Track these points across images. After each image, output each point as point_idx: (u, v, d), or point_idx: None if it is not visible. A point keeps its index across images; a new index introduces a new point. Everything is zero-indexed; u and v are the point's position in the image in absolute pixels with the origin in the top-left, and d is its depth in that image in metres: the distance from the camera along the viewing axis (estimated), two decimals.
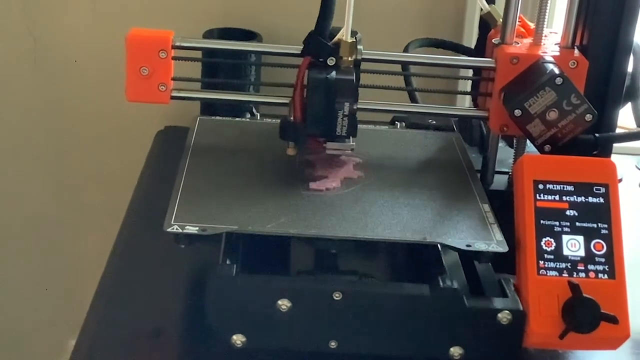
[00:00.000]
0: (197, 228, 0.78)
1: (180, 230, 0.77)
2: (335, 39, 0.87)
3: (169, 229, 0.78)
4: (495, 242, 0.80)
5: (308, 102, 0.87)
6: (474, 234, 0.81)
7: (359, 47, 0.88)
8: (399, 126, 1.05)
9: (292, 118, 0.88)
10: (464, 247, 0.79)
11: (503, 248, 0.79)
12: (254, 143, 0.96)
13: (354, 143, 0.89)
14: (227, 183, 0.88)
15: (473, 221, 0.84)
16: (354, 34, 0.87)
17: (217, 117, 1.04)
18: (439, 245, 0.82)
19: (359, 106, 0.88)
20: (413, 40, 1.07)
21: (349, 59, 0.87)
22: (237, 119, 1.04)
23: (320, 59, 0.87)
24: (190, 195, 0.84)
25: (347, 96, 0.86)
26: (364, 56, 0.88)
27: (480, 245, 0.79)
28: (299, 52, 0.87)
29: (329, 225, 0.81)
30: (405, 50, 1.05)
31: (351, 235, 0.81)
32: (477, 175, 0.94)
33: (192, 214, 0.80)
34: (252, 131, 1.00)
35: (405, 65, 1.01)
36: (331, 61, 0.87)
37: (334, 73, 0.86)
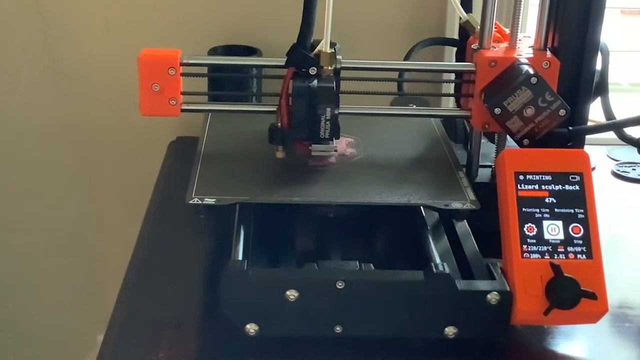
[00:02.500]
0: (214, 200, 0.83)
1: (200, 202, 0.82)
2: (316, 50, 0.87)
3: (190, 201, 0.83)
4: (469, 202, 0.85)
5: (293, 109, 0.88)
6: (451, 196, 0.86)
7: (338, 57, 0.88)
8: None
9: (279, 124, 0.89)
10: (442, 207, 0.84)
11: (476, 206, 0.84)
12: (261, 130, 0.96)
13: (337, 145, 0.93)
14: (238, 164, 0.92)
15: (450, 186, 0.88)
16: (333, 45, 0.88)
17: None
18: (421, 208, 0.87)
19: (343, 111, 0.89)
20: (419, 42, 1.08)
21: (329, 68, 0.88)
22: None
23: (303, 69, 0.87)
24: (207, 174, 0.89)
25: (328, 102, 0.87)
26: (343, 65, 0.89)
27: (457, 205, 0.84)
28: (284, 64, 0.88)
29: (326, 194, 0.86)
30: (410, 52, 1.06)
31: (346, 201, 0.85)
32: (451, 146, 0.98)
33: (210, 188, 0.85)
34: (259, 121, 1.00)
35: (401, 72, 1.02)
36: (313, 71, 0.87)
37: (315, 82, 0.87)
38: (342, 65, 0.89)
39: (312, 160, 0.92)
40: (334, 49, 0.88)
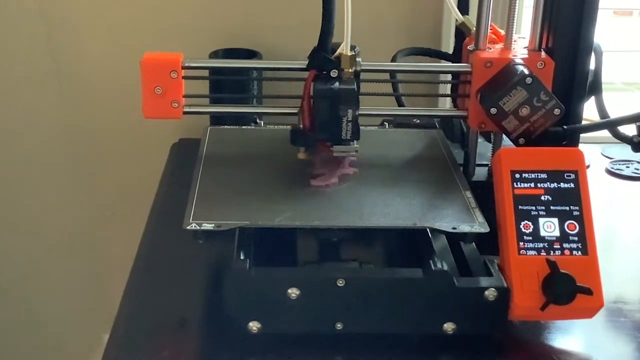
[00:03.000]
0: (212, 225, 0.79)
1: (198, 228, 0.78)
2: (337, 53, 0.87)
3: (187, 227, 0.78)
4: (477, 224, 0.81)
5: (315, 111, 0.87)
6: (458, 218, 0.82)
7: (358, 59, 0.88)
8: (387, 126, 1.05)
9: (301, 126, 0.89)
10: (450, 230, 0.80)
11: (485, 229, 0.80)
12: (260, 148, 0.96)
13: (358, 145, 0.90)
14: (237, 184, 0.88)
15: (457, 206, 0.84)
16: (353, 47, 0.87)
17: (226, 126, 1.04)
18: (428, 230, 0.83)
19: (363, 112, 0.88)
20: (400, 50, 1.07)
21: (350, 70, 0.87)
22: (243, 127, 1.04)
23: (324, 72, 0.87)
24: (205, 197, 0.84)
25: (350, 104, 0.86)
26: (362, 67, 0.88)
27: (465, 227, 0.80)
28: (304, 67, 0.87)
29: (329, 217, 0.82)
30: (393, 59, 1.06)
31: (350, 225, 0.81)
32: (458, 165, 0.94)
33: (208, 212, 0.81)
34: (257, 137, 1.00)
35: (392, 73, 1.02)
36: (334, 73, 0.87)
37: (337, 84, 0.86)
38: (363, 68, 0.88)
39: (315, 180, 0.88)
40: (354, 52, 0.87)
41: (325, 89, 0.86)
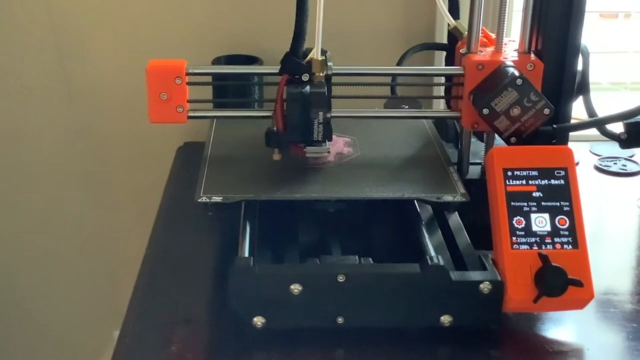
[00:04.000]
0: (221, 198, 0.83)
1: (208, 200, 0.82)
2: (308, 58, 0.87)
3: (199, 199, 0.83)
4: (459, 195, 0.85)
5: (287, 113, 0.88)
6: (442, 190, 0.86)
7: (329, 63, 0.88)
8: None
9: (275, 128, 0.89)
10: (435, 200, 0.85)
11: (466, 199, 0.85)
12: (263, 135, 0.96)
13: (329, 147, 0.92)
14: (242, 164, 0.92)
15: (442, 181, 0.88)
16: (324, 52, 0.87)
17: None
18: (415, 203, 0.88)
19: (336, 114, 0.89)
20: (411, 48, 1.07)
21: (321, 74, 0.88)
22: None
23: (296, 76, 0.87)
24: (213, 175, 0.89)
25: (321, 106, 0.87)
26: (333, 71, 0.88)
27: (448, 198, 0.85)
28: (276, 71, 0.88)
29: (326, 190, 0.86)
30: (402, 58, 1.05)
31: (345, 196, 0.86)
32: (443, 145, 0.98)
33: (217, 187, 0.85)
34: (261, 126, 1.00)
35: (394, 76, 1.01)
36: (305, 77, 0.87)
37: (308, 87, 0.87)
38: (333, 72, 0.88)
39: (312, 159, 0.92)
40: (325, 56, 0.88)
41: (297, 92, 0.87)
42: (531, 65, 0.89)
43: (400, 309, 0.79)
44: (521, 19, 0.91)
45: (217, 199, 0.83)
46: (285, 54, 0.86)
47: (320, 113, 0.87)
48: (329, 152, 0.92)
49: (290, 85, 0.87)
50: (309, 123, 0.87)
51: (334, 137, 0.93)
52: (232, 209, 0.84)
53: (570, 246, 0.79)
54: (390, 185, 0.87)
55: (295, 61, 0.86)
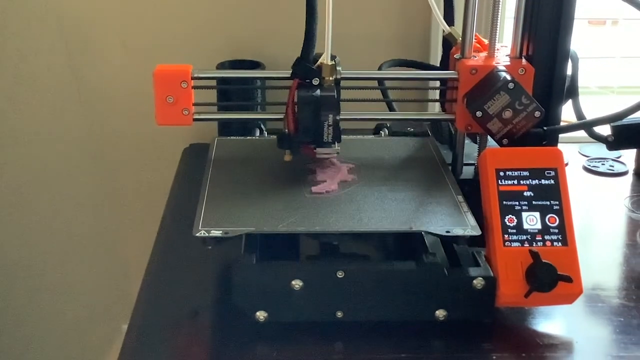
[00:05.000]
0: (220, 231, 0.77)
1: (207, 234, 0.77)
2: (318, 62, 0.87)
3: (197, 234, 0.77)
4: (470, 228, 0.79)
5: (299, 116, 0.87)
6: (451, 221, 0.80)
7: (338, 68, 0.88)
8: (382, 134, 1.05)
9: (286, 130, 0.88)
10: (444, 234, 0.78)
11: (476, 232, 0.78)
12: (263, 157, 0.95)
13: (339, 147, 0.89)
14: (243, 192, 0.87)
15: (450, 210, 0.83)
16: (333, 57, 0.87)
17: (231, 137, 1.03)
18: (422, 233, 0.81)
19: (344, 117, 0.88)
20: (385, 61, 1.07)
21: (330, 78, 0.87)
22: (248, 137, 1.03)
23: (307, 80, 0.87)
24: (213, 205, 0.83)
25: (330, 109, 0.86)
26: (342, 75, 0.88)
27: (458, 231, 0.79)
28: (289, 75, 0.87)
29: (330, 222, 0.80)
30: (379, 69, 1.05)
31: (349, 230, 0.80)
32: (450, 170, 0.93)
33: (216, 220, 0.80)
34: (260, 147, 0.99)
35: (381, 80, 1.01)
36: (316, 81, 0.87)
37: (318, 91, 0.86)
38: (342, 76, 0.88)
39: (316, 187, 0.87)
40: (334, 61, 0.87)
41: (308, 96, 0.86)
42: (522, 70, 0.89)
43: (397, 304, 0.79)
44: (513, 25, 0.91)
45: (216, 233, 0.77)
46: (296, 59, 0.86)
47: (330, 115, 0.86)
48: (338, 152, 0.89)
49: (301, 89, 0.87)
50: (320, 125, 0.87)
51: (337, 164, 0.92)
52: (232, 242, 0.78)
53: (560, 243, 0.79)
54: (396, 215, 0.82)
55: (306, 66, 0.86)
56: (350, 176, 0.91)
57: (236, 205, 0.83)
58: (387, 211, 0.83)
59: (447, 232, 0.78)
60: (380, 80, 1.01)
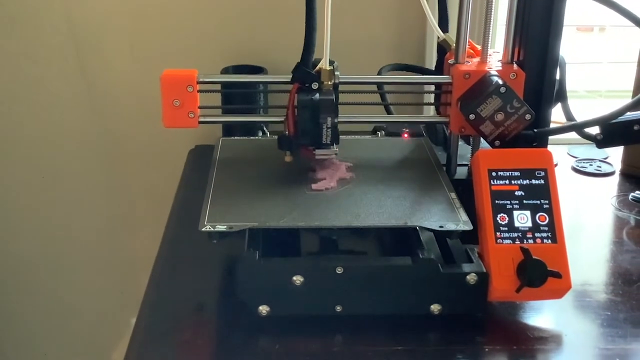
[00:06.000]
0: (225, 226, 0.78)
1: (212, 229, 0.78)
2: (317, 67, 0.87)
3: (203, 229, 0.78)
4: (462, 222, 0.80)
5: (298, 119, 0.87)
6: (445, 217, 0.81)
7: (336, 73, 0.88)
8: (379, 135, 1.05)
9: (286, 132, 0.89)
10: (437, 228, 0.79)
11: (468, 227, 0.79)
12: (265, 155, 0.95)
13: (337, 149, 0.89)
14: (246, 189, 0.87)
15: (443, 206, 0.83)
16: (332, 63, 0.87)
17: (236, 137, 1.03)
18: (417, 228, 0.82)
19: (342, 119, 0.88)
20: (385, 66, 1.07)
21: (329, 83, 0.87)
22: (251, 137, 1.04)
23: (306, 85, 0.87)
24: (218, 201, 0.84)
25: (329, 112, 0.86)
26: (341, 80, 0.88)
27: (451, 226, 0.79)
28: (290, 80, 0.88)
29: (329, 217, 0.81)
30: (379, 73, 1.05)
31: (347, 224, 0.80)
32: (444, 169, 0.93)
33: (221, 215, 0.80)
34: (263, 146, 0.99)
35: (379, 85, 1.01)
36: (315, 85, 0.87)
37: (317, 95, 0.86)
38: (340, 80, 0.88)
39: (316, 185, 0.88)
40: (333, 66, 0.87)
41: (307, 99, 0.86)
42: (514, 75, 0.89)
43: (394, 299, 0.79)
44: (505, 32, 0.91)
45: (221, 227, 0.78)
46: (296, 65, 0.86)
47: (329, 118, 0.86)
48: (336, 154, 0.89)
49: (301, 93, 0.87)
50: (318, 128, 0.87)
51: (336, 162, 0.92)
52: (236, 236, 0.79)
53: (549, 241, 0.79)
54: (392, 210, 0.82)
55: (305, 71, 0.86)
56: (348, 174, 0.91)
57: (240, 202, 0.84)
58: (383, 207, 0.83)
59: (441, 227, 0.79)
60: (378, 84, 1.01)
